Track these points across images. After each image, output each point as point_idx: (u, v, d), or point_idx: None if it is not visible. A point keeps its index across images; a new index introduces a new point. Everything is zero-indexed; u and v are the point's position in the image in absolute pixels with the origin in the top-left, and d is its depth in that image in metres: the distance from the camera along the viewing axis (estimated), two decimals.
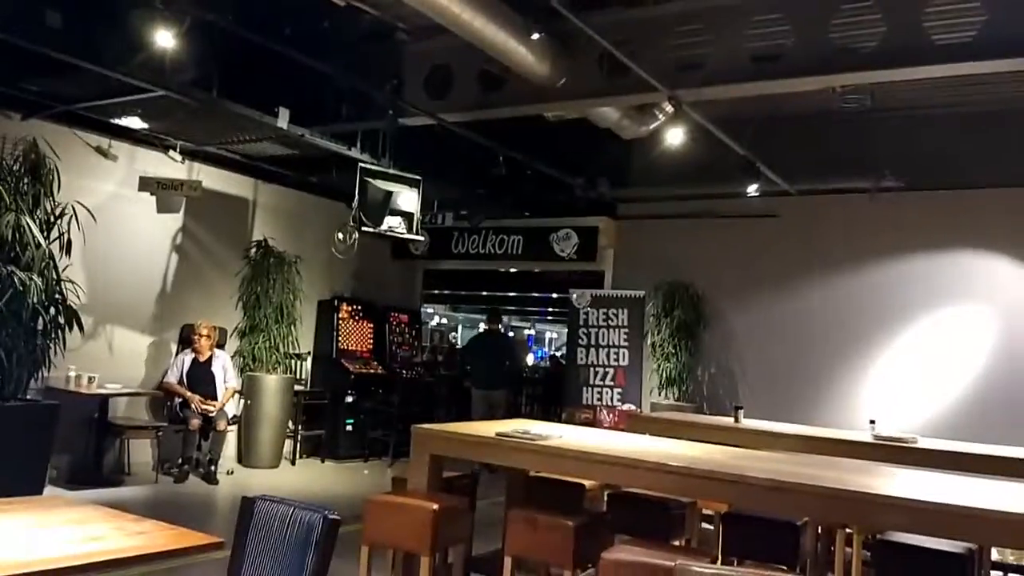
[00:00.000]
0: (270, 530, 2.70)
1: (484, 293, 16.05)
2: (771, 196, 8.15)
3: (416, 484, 4.12)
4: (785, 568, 3.68)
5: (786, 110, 7.47)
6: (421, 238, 8.03)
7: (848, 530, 3.89)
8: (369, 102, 6.80)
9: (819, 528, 4.44)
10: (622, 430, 6.29)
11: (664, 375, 8.82)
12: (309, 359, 9.54)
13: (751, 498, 3.36)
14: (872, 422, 5.88)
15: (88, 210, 6.35)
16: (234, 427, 8.27)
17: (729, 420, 6.16)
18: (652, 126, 6.80)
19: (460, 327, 19.56)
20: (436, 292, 13.74)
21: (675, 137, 6.39)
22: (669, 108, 5.95)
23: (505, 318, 17.42)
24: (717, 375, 8.91)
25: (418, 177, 7.08)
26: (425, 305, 13.38)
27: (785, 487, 3.20)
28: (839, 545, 3.93)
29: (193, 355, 7.90)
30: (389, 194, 6.86)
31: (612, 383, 9.03)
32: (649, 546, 3.34)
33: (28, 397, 5.93)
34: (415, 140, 7.26)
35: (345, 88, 6.88)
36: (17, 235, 5.61)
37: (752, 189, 7.61)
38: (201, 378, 7.83)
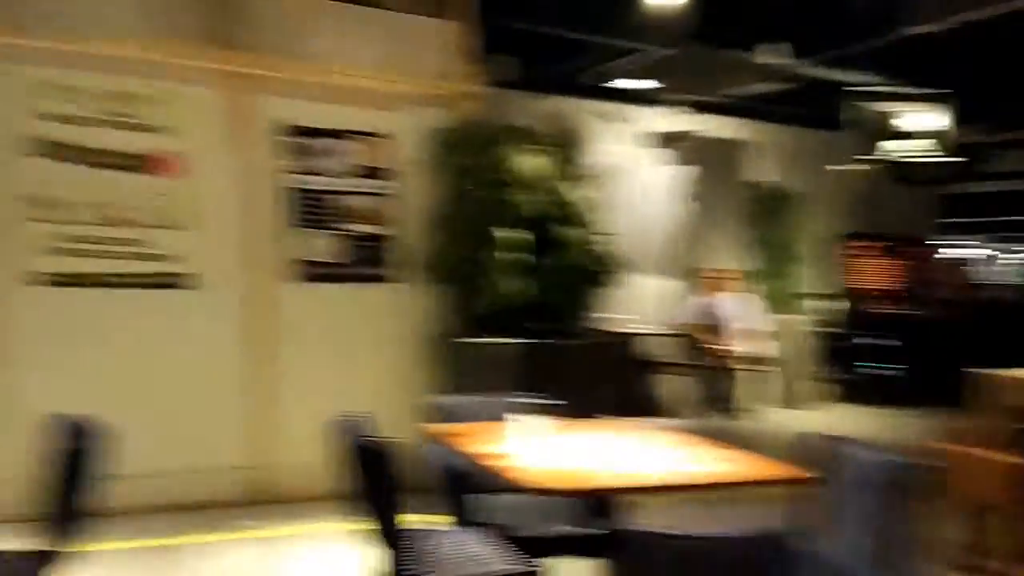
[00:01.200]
0: (843, 472, 2.52)
1: (1018, 218, 13.68)
2: None
3: (985, 438, 3.67)
4: None
5: None
6: (940, 159, 7.23)
7: None
8: (858, 18, 6.30)
9: None
10: None
11: None
12: (823, 299, 9.33)
13: None
14: None
15: (608, 170, 7.17)
16: (760, 368, 8.33)
17: None
18: None
19: (988, 260, 16.99)
20: (955, 221, 12.27)
21: None
22: None
23: None
24: None
25: (931, 92, 6.37)
26: (942, 235, 12.05)
27: None
28: None
29: (705, 297, 8.33)
30: (894, 115, 6.34)
31: None
32: None
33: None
34: (929, 51, 6.50)
35: (840, 8, 6.49)
36: (562, 199, 6.63)
37: None
38: (713, 319, 8.22)
